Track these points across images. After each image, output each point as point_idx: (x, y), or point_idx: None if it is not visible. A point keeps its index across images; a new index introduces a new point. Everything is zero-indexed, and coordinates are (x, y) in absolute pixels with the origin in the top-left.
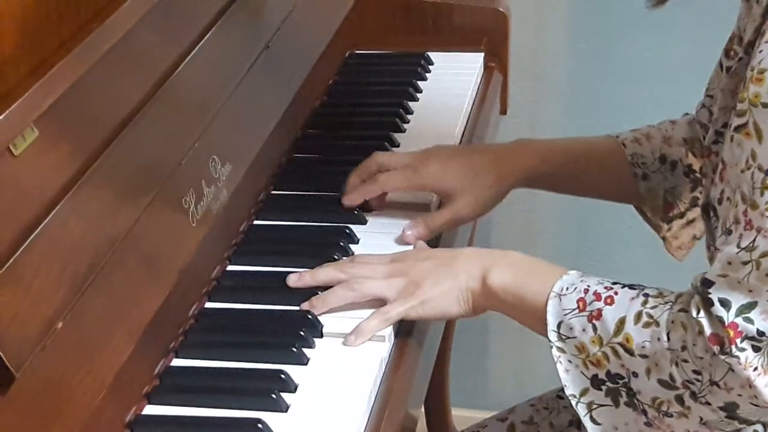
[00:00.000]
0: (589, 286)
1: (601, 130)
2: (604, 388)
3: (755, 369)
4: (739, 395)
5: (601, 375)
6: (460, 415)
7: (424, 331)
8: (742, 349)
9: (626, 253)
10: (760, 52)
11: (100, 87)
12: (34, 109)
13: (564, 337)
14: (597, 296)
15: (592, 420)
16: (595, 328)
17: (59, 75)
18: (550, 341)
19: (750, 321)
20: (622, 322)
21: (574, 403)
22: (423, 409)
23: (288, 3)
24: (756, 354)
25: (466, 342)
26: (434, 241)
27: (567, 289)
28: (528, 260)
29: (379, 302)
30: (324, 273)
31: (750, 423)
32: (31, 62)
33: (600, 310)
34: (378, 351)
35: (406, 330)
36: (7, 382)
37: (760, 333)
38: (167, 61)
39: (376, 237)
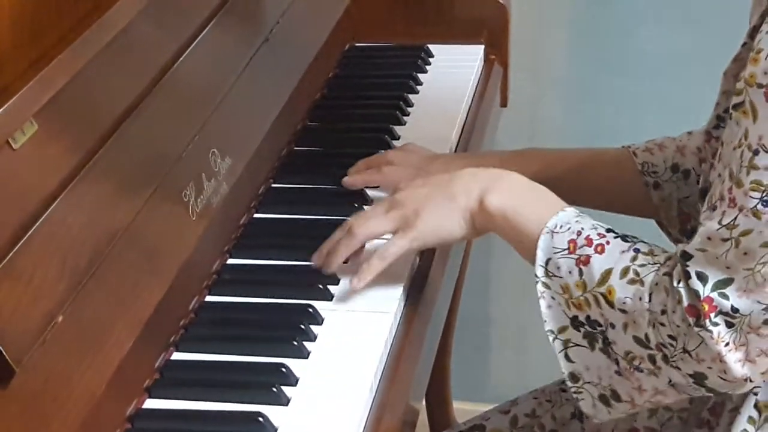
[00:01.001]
0: (582, 228)
1: (601, 122)
2: (582, 330)
3: (726, 344)
4: (709, 368)
5: (581, 318)
6: (461, 408)
7: (425, 324)
8: (716, 324)
9: None
10: (760, 33)
11: (99, 80)
12: (33, 102)
13: (550, 275)
14: (588, 241)
15: (567, 357)
16: (581, 273)
17: (58, 69)
18: (536, 275)
19: (725, 297)
20: (608, 273)
21: (551, 338)
22: (424, 403)
23: None
24: (729, 330)
25: (467, 335)
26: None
27: (561, 227)
28: (527, 185)
29: None
30: (330, 239)
31: (717, 393)
32: (30, 56)
33: (589, 257)
34: (378, 344)
35: (406, 323)
36: (7, 376)
37: (734, 309)
38: (166, 55)
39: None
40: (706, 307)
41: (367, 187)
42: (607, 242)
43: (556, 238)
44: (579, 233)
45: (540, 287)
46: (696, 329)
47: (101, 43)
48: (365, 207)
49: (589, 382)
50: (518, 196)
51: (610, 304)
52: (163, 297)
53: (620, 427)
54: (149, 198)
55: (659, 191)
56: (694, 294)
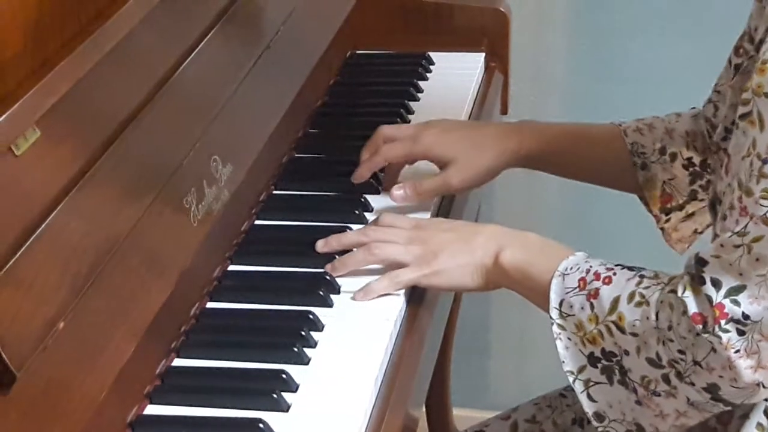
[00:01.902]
0: (591, 266)
1: None
2: (599, 365)
3: (737, 351)
4: (720, 377)
5: (597, 353)
6: (461, 415)
7: (425, 331)
8: (726, 331)
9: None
10: (765, 44)
11: (101, 87)
12: (36, 109)
13: (565, 315)
14: (597, 276)
15: (589, 397)
16: (592, 306)
17: (61, 75)
18: (551, 318)
19: (737, 303)
20: (616, 301)
21: (571, 380)
22: (424, 409)
23: (289, 3)
24: (740, 338)
25: (467, 342)
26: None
27: (571, 269)
28: (541, 241)
29: (394, 266)
30: (348, 237)
31: (735, 405)
32: (33, 63)
33: (598, 290)
34: (378, 351)
35: (406, 330)
36: (8, 382)
37: (745, 316)
38: (168, 62)
39: None
40: (717, 313)
41: (368, 193)
42: (614, 273)
43: (567, 279)
44: (588, 271)
45: (555, 329)
46: (704, 336)
47: (103, 50)
48: (366, 214)
49: (614, 420)
50: (531, 251)
51: (622, 330)
52: (164, 303)
53: None
54: (151, 204)
55: (645, 171)
56: (706, 299)
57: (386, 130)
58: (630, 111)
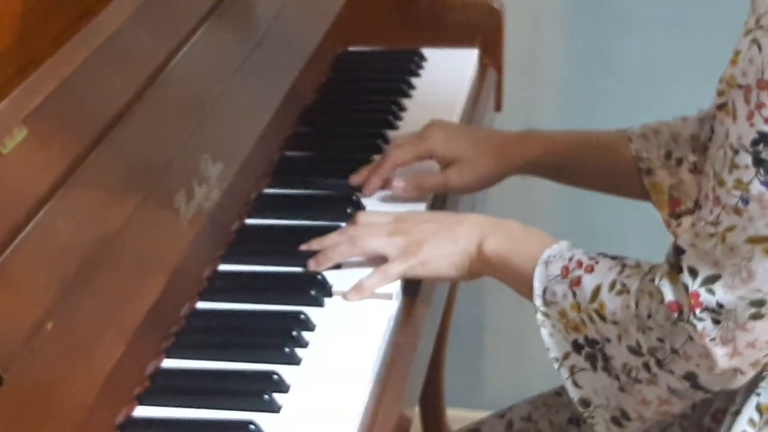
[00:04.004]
0: (573, 255)
1: (597, 126)
2: (583, 352)
3: (712, 339)
4: (698, 365)
5: (580, 340)
6: (455, 414)
7: (419, 330)
8: (701, 319)
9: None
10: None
11: (89, 85)
12: (22, 107)
13: (549, 303)
14: (579, 264)
15: (574, 384)
16: (574, 294)
17: (48, 73)
18: (535, 306)
19: (711, 292)
20: (598, 290)
21: (557, 366)
22: (418, 409)
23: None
24: (715, 326)
25: (461, 342)
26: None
27: (554, 257)
28: (523, 230)
29: (380, 262)
30: (330, 239)
31: (715, 393)
32: (19, 60)
33: (580, 278)
34: (371, 351)
35: (399, 329)
36: None
37: (720, 305)
38: (157, 59)
39: None
40: (693, 302)
41: (360, 195)
42: (596, 262)
43: (550, 267)
44: (570, 259)
45: (540, 317)
46: (680, 324)
47: (91, 47)
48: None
49: (599, 406)
50: (513, 239)
51: (603, 318)
52: (154, 304)
53: None
54: (140, 204)
55: (651, 177)
56: (683, 288)
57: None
58: (627, 108)
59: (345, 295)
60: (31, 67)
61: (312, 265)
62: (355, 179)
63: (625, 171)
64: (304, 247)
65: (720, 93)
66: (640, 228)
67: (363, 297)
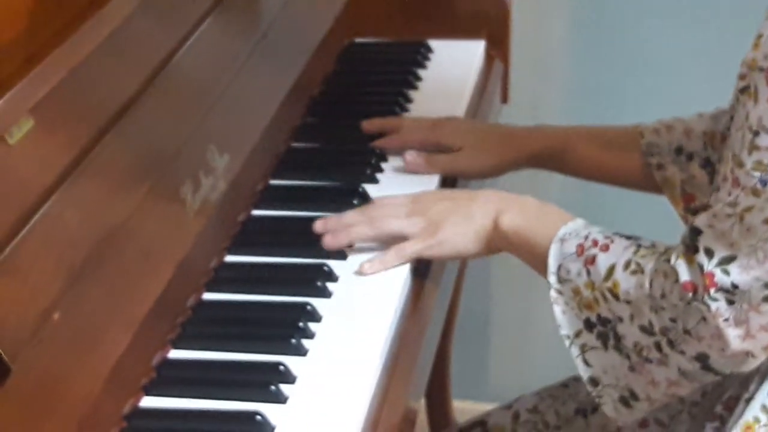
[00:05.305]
0: (589, 233)
1: (603, 118)
2: (595, 330)
3: (725, 320)
4: (709, 345)
5: (593, 318)
6: (461, 406)
7: (426, 321)
8: (715, 299)
9: None
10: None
11: (96, 76)
12: (29, 97)
13: (562, 280)
14: (594, 243)
15: (585, 362)
16: (588, 273)
17: (55, 63)
18: (549, 283)
19: (727, 273)
20: (612, 269)
21: (567, 343)
22: (424, 402)
23: None
24: (729, 307)
25: (467, 334)
26: None
27: (569, 234)
28: (539, 205)
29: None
30: (348, 217)
31: (725, 375)
32: (26, 50)
33: (595, 256)
34: (378, 342)
35: (406, 320)
36: (2, 374)
37: (734, 286)
38: (164, 50)
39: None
40: (707, 282)
41: (366, 183)
42: (612, 241)
43: (566, 245)
44: (586, 237)
45: (553, 293)
46: (694, 303)
47: (98, 38)
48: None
49: (608, 385)
50: (529, 215)
51: (616, 297)
52: (160, 294)
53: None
54: (146, 194)
55: (662, 171)
56: (698, 268)
57: (407, 120)
58: (633, 100)
59: (360, 268)
60: (38, 57)
61: (328, 240)
62: (367, 125)
63: (635, 165)
64: (320, 222)
65: (742, 76)
66: (646, 224)
67: (377, 271)
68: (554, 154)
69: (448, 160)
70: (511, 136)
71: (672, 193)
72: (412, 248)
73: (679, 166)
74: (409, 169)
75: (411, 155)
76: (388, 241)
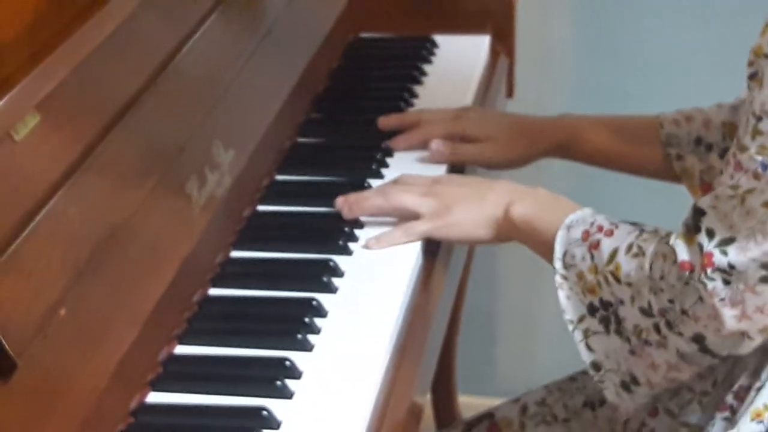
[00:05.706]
0: (596, 220)
1: (608, 113)
2: (597, 315)
3: (722, 299)
4: (705, 326)
5: (596, 302)
6: (467, 401)
7: (431, 316)
8: (711, 279)
9: None
10: None
11: (101, 72)
12: (35, 94)
13: (567, 266)
14: (599, 229)
15: (587, 347)
16: (592, 257)
17: (61, 59)
18: (555, 269)
19: (725, 253)
20: (615, 252)
21: (571, 328)
22: (430, 397)
23: None
24: (725, 287)
25: (473, 329)
26: None
27: (576, 221)
28: (550, 196)
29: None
30: (367, 191)
31: (722, 357)
32: (32, 46)
33: (599, 241)
34: (383, 337)
35: (411, 316)
36: (8, 369)
37: (731, 266)
38: (169, 46)
39: (380, 227)
40: (705, 261)
41: (371, 178)
42: (616, 227)
43: (572, 231)
44: (592, 224)
45: (558, 279)
46: (691, 283)
47: (103, 34)
48: None
49: (609, 370)
50: (539, 205)
51: (618, 280)
52: (166, 290)
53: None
54: (152, 190)
55: (681, 162)
56: (697, 247)
57: (427, 113)
58: (637, 93)
59: (366, 243)
60: (44, 53)
61: (345, 210)
62: (383, 122)
63: (655, 155)
64: (341, 201)
65: (750, 63)
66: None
67: (382, 247)
68: (577, 144)
69: (475, 150)
70: (536, 126)
71: (691, 183)
72: (421, 227)
73: (698, 156)
74: (433, 159)
75: (437, 144)
76: (400, 220)
